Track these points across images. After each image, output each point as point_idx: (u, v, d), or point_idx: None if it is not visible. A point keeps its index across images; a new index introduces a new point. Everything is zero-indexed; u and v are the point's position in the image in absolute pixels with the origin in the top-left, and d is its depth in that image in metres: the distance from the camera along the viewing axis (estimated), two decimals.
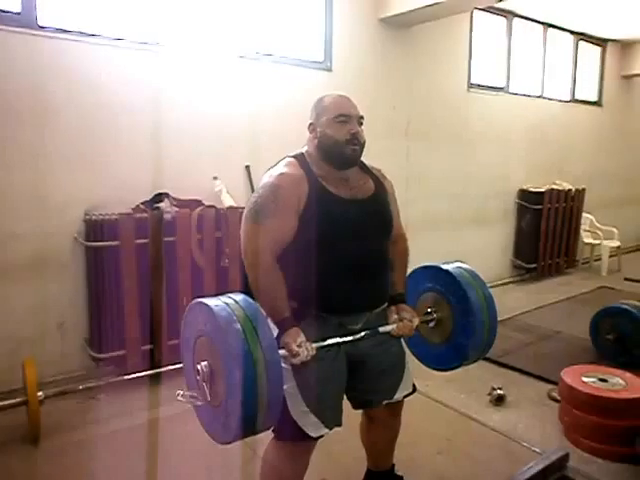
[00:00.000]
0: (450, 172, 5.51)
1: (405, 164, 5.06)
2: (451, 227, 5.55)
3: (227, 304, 1.44)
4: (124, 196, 3.41)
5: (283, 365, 1.50)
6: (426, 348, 2.08)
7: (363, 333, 1.78)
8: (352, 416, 2.01)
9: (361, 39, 4.64)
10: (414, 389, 2.03)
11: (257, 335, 1.38)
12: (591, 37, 7.15)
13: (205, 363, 1.45)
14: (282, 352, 1.56)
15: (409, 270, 2.04)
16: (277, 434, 1.78)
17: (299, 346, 1.60)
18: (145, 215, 3.36)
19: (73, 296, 3.37)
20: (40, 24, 3.15)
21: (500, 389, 3.16)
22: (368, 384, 1.90)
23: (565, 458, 2.27)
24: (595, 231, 6.90)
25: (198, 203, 3.61)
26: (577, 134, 7.11)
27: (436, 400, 3.17)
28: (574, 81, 7.10)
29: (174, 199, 3.55)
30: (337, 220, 1.73)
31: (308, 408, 1.72)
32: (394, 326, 1.86)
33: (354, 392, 1.91)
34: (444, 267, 2.00)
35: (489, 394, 3.18)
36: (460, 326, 1.93)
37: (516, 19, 6.11)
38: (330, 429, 1.78)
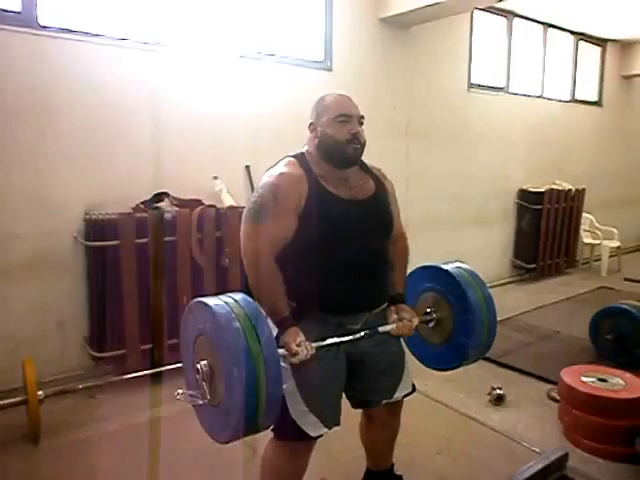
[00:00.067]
0: (450, 172, 5.51)
1: (405, 164, 5.06)
2: (451, 227, 5.55)
3: (226, 303, 1.44)
4: (124, 196, 3.41)
5: (282, 364, 1.51)
6: (426, 348, 2.08)
7: (363, 333, 1.78)
8: (351, 415, 2.01)
9: (361, 39, 4.64)
10: (413, 389, 2.03)
11: (256, 334, 1.38)
12: (591, 37, 7.15)
13: (205, 362, 1.46)
14: (281, 351, 1.57)
15: (409, 270, 2.04)
16: (277, 433, 1.78)
17: (298, 345, 1.60)
18: (145, 215, 3.36)
19: (73, 295, 3.37)
20: (41, 23, 3.15)
21: (500, 389, 3.16)
22: (367, 384, 1.90)
23: (565, 458, 2.27)
24: (595, 231, 6.90)
25: (198, 203, 3.61)
26: (577, 134, 7.11)
27: (436, 400, 3.17)
28: (574, 81, 7.10)
29: (174, 198, 3.55)
30: (336, 220, 1.73)
31: (307, 407, 1.72)
32: (394, 326, 1.86)
33: (353, 392, 1.91)
34: (444, 267, 2.00)
35: (489, 394, 3.18)
36: (460, 325, 1.93)
37: (516, 19, 6.11)
38: (329, 429, 1.78)
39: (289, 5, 4.26)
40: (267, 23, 4.13)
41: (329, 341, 1.70)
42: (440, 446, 2.71)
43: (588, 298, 5.53)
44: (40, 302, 3.27)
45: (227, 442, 1.47)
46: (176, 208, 3.47)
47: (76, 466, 2.51)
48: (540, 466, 2.16)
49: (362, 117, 1.84)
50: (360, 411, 2.07)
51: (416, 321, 1.92)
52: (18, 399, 2.69)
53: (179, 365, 1.68)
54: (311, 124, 1.86)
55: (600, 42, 7.34)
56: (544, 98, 6.63)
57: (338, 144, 1.78)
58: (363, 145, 1.83)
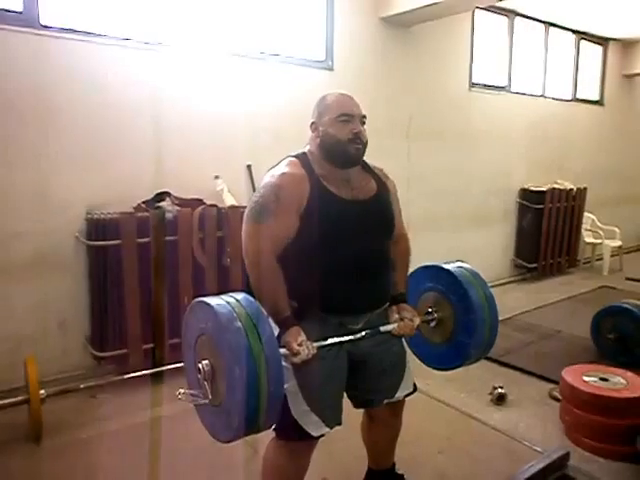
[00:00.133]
0: (451, 171, 5.51)
1: (406, 163, 5.06)
2: (452, 226, 5.55)
3: (228, 303, 1.44)
4: (126, 195, 3.42)
5: (284, 364, 1.51)
6: (427, 348, 2.08)
7: (364, 332, 1.78)
8: (353, 415, 2.01)
9: (362, 38, 4.64)
10: (415, 388, 2.03)
11: (258, 333, 1.39)
12: (592, 36, 7.14)
13: (206, 362, 1.46)
14: (283, 351, 1.57)
15: (410, 270, 2.04)
16: (278, 433, 1.78)
17: (300, 345, 1.61)
18: (147, 214, 3.36)
19: (74, 295, 3.38)
20: (42, 23, 3.16)
21: (501, 388, 3.16)
22: (369, 383, 1.90)
23: (566, 457, 2.27)
24: (596, 230, 6.89)
25: (200, 202, 3.61)
26: (578, 133, 7.10)
27: (437, 399, 3.17)
28: (575, 80, 7.09)
29: (176, 198, 3.56)
30: (337, 220, 1.73)
31: (309, 407, 1.72)
32: (395, 325, 1.86)
33: (355, 391, 1.91)
34: (445, 267, 2.00)
35: (490, 393, 3.18)
36: (461, 325, 1.93)
37: (517, 18, 6.10)
38: (331, 428, 1.78)
39: (290, 5, 4.26)
40: (268, 23, 4.13)
41: (330, 341, 1.70)
42: (441, 445, 2.71)
43: (589, 297, 5.53)
44: (42, 301, 3.27)
45: (228, 442, 1.47)
46: (177, 208, 3.47)
47: (78, 465, 2.51)
48: (541, 465, 2.17)
49: (364, 116, 1.84)
50: (361, 410, 2.07)
51: (417, 321, 1.92)
52: (20, 398, 2.70)
53: (180, 365, 1.68)
54: (313, 123, 1.86)
55: (601, 41, 7.33)
56: (545, 97, 6.63)
57: (340, 143, 1.77)
58: (365, 145, 1.82)
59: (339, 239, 1.73)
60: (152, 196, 3.50)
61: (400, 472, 2.20)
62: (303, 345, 1.61)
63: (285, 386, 1.52)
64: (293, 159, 1.82)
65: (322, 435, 1.77)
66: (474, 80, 5.68)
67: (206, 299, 1.48)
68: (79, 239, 3.32)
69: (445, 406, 3.12)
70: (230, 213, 3.57)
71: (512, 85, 6.15)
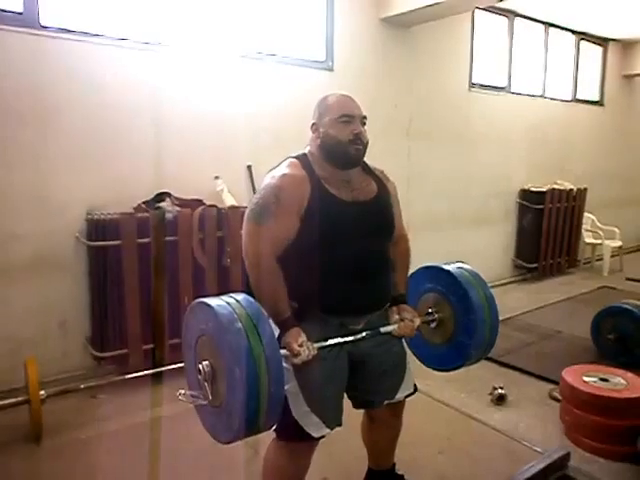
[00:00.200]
0: (451, 172, 5.51)
1: (406, 164, 5.06)
2: (452, 227, 5.55)
3: (228, 303, 1.44)
4: (126, 196, 3.42)
5: (284, 365, 1.51)
6: (428, 349, 2.08)
7: (364, 333, 1.78)
8: (353, 415, 2.01)
9: (362, 39, 4.64)
10: (415, 389, 2.03)
11: (258, 334, 1.39)
12: (592, 37, 7.14)
13: (207, 362, 1.46)
14: (283, 352, 1.57)
15: (410, 271, 2.04)
16: (279, 434, 1.78)
17: (300, 346, 1.61)
18: (147, 215, 3.36)
19: (75, 295, 3.38)
20: (42, 24, 3.16)
21: (501, 388, 3.16)
22: (369, 384, 1.90)
23: (566, 457, 2.27)
24: (597, 231, 6.89)
25: (200, 203, 3.61)
26: (578, 134, 7.10)
27: (437, 400, 3.17)
28: (575, 81, 7.10)
29: (176, 198, 3.56)
30: (337, 222, 1.73)
31: (309, 408, 1.72)
32: (395, 326, 1.86)
33: (355, 392, 1.92)
34: (445, 267, 2.00)
35: (490, 393, 3.18)
36: (462, 325, 1.93)
37: (517, 19, 6.11)
38: (331, 429, 1.78)
39: (290, 5, 4.26)
40: (268, 23, 4.13)
41: (331, 341, 1.70)
42: (441, 446, 2.71)
43: (590, 298, 5.53)
44: (42, 302, 3.27)
45: (229, 442, 1.47)
46: (177, 208, 3.48)
47: (78, 466, 2.51)
48: (542, 465, 2.17)
49: (364, 117, 1.84)
50: (362, 411, 2.08)
51: (418, 321, 1.92)
52: (20, 399, 2.70)
53: (181, 365, 1.68)
54: (313, 124, 1.86)
55: (601, 42, 7.33)
56: (545, 98, 6.63)
57: (340, 144, 1.77)
58: (365, 145, 1.82)
59: (339, 240, 1.73)
60: (152, 196, 3.51)
61: (400, 472, 2.20)
62: (304, 346, 1.61)
63: (286, 387, 1.52)
64: (294, 160, 1.82)
65: (323, 436, 1.77)
66: (474, 80, 5.69)
67: (206, 300, 1.48)
68: (79, 239, 3.32)
69: (445, 406, 3.12)
70: (230, 213, 3.57)
71: (512, 85, 6.15)
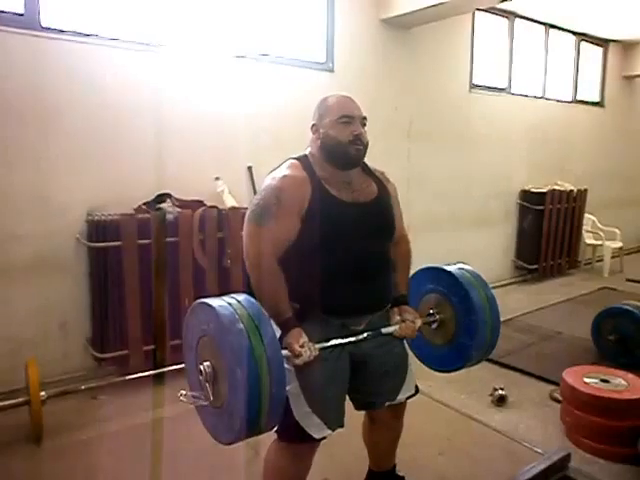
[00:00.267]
0: (452, 173, 5.51)
1: (407, 165, 5.06)
2: (452, 228, 5.55)
3: (230, 304, 1.44)
4: (126, 197, 3.42)
5: (286, 366, 1.51)
6: (429, 350, 2.08)
7: (366, 334, 1.78)
8: (354, 416, 2.01)
9: (363, 40, 4.65)
10: (417, 391, 2.03)
11: (260, 335, 1.39)
12: (593, 38, 7.15)
13: (208, 363, 1.46)
14: (285, 352, 1.56)
15: (411, 272, 2.04)
16: (280, 435, 1.78)
17: (302, 346, 1.61)
18: (147, 216, 3.36)
19: (75, 296, 3.38)
20: (43, 25, 3.16)
21: (502, 390, 3.16)
22: (371, 386, 1.90)
23: (567, 458, 2.27)
24: (597, 232, 6.88)
25: (200, 204, 3.61)
26: (579, 135, 7.11)
27: (438, 400, 3.17)
28: (576, 82, 7.10)
29: (176, 200, 3.56)
30: (338, 223, 1.73)
31: (311, 409, 1.72)
32: (397, 327, 1.86)
33: (357, 394, 1.91)
34: (446, 268, 2.00)
35: (491, 394, 3.18)
36: (463, 326, 1.93)
37: (518, 20, 6.11)
38: (333, 430, 1.78)
39: (291, 6, 4.26)
40: (269, 24, 4.14)
41: (332, 342, 1.70)
42: (442, 447, 2.71)
43: (590, 299, 5.52)
44: (43, 303, 3.27)
45: (230, 443, 1.47)
46: (178, 209, 3.48)
47: (78, 467, 2.51)
48: (542, 467, 2.16)
49: (365, 118, 1.84)
50: (363, 412, 2.07)
51: (419, 322, 1.92)
52: (21, 400, 2.70)
53: (181, 366, 1.68)
54: (313, 125, 1.86)
55: (602, 42, 7.34)
56: (546, 99, 6.63)
57: (340, 145, 1.78)
58: (365, 146, 1.82)
59: (339, 241, 1.73)
60: (153, 197, 3.51)
61: (401, 474, 2.20)
62: (305, 346, 1.61)
63: (287, 388, 1.52)
64: (294, 161, 1.82)
65: (324, 437, 1.77)
66: (474, 82, 5.69)
67: (208, 300, 1.48)
68: (80, 240, 3.32)
69: (445, 407, 3.12)
70: (231, 214, 3.57)
71: (512, 87, 6.16)
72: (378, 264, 1.85)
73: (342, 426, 1.82)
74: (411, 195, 4.74)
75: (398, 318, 1.89)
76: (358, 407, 1.99)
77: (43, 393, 2.70)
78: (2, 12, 3.05)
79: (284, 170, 1.78)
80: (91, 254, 3.33)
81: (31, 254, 3.19)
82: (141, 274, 3.32)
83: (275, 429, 1.64)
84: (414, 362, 2.07)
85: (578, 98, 7.15)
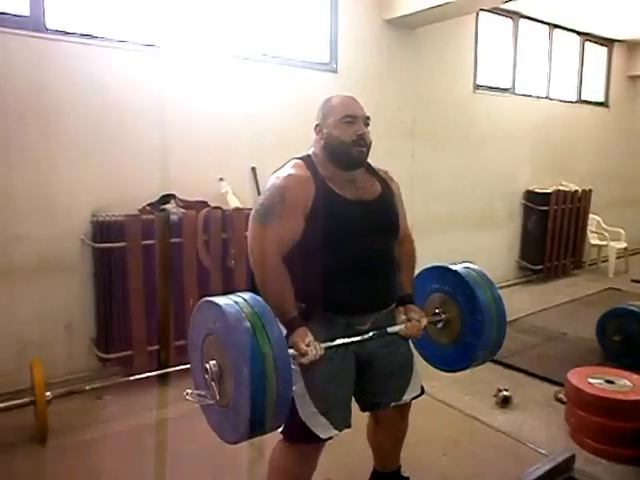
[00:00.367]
0: (456, 173, 5.50)
1: (411, 165, 5.06)
2: (457, 228, 5.54)
3: (236, 302, 1.44)
4: (130, 198, 3.43)
5: (292, 366, 1.50)
6: (434, 349, 2.07)
7: (371, 333, 1.78)
8: (358, 416, 2.00)
9: (366, 40, 4.65)
10: (422, 391, 2.02)
11: (266, 333, 1.38)
12: (597, 37, 7.13)
13: (214, 362, 1.45)
14: (291, 352, 1.56)
15: (416, 271, 2.04)
16: (285, 435, 1.78)
17: (307, 345, 1.60)
18: (152, 216, 3.37)
19: (80, 297, 3.38)
20: (48, 27, 3.17)
21: (506, 390, 3.15)
22: (377, 386, 1.90)
23: (571, 460, 2.26)
24: (602, 232, 6.86)
25: (204, 204, 3.62)
26: (583, 135, 7.09)
27: (441, 401, 3.16)
28: (580, 82, 7.08)
29: (180, 200, 3.57)
30: (342, 221, 1.73)
31: (317, 409, 1.72)
32: (402, 326, 1.86)
33: (362, 394, 1.91)
34: (452, 267, 2.00)
35: (495, 395, 3.17)
36: (469, 325, 1.92)
37: (522, 20, 6.10)
38: (340, 430, 1.77)
39: (294, 7, 4.27)
40: (272, 25, 4.14)
41: (338, 341, 1.69)
42: (446, 447, 2.70)
43: (595, 299, 5.51)
44: (48, 304, 3.28)
45: (235, 442, 1.47)
46: (182, 210, 3.48)
47: (83, 467, 2.52)
48: (547, 468, 2.15)
49: (368, 118, 1.84)
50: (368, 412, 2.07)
51: (425, 322, 1.92)
52: (26, 400, 2.71)
53: (186, 367, 1.68)
54: (317, 125, 1.86)
55: (606, 42, 7.32)
56: (550, 99, 6.62)
57: (344, 145, 1.78)
58: (369, 146, 1.83)
59: (344, 239, 1.73)
60: (157, 198, 3.51)
61: (405, 475, 2.19)
62: (311, 345, 1.61)
63: (293, 388, 1.52)
64: (298, 161, 1.83)
65: (330, 438, 1.76)
66: (479, 82, 5.68)
67: (214, 298, 1.48)
68: (84, 241, 3.33)
69: (450, 408, 3.12)
70: (235, 215, 3.58)
71: (517, 87, 6.15)
72: (382, 262, 1.84)
73: (349, 426, 1.82)
74: (415, 195, 4.72)
75: (404, 317, 1.89)
76: (364, 408, 1.98)
77: (48, 393, 2.70)
78: (7, 14, 3.06)
79: (288, 169, 1.79)
80: (96, 255, 3.34)
81: (36, 255, 3.20)
82: (145, 275, 3.33)
83: (280, 429, 1.63)
84: (419, 362, 2.07)
85: (582, 98, 7.13)
